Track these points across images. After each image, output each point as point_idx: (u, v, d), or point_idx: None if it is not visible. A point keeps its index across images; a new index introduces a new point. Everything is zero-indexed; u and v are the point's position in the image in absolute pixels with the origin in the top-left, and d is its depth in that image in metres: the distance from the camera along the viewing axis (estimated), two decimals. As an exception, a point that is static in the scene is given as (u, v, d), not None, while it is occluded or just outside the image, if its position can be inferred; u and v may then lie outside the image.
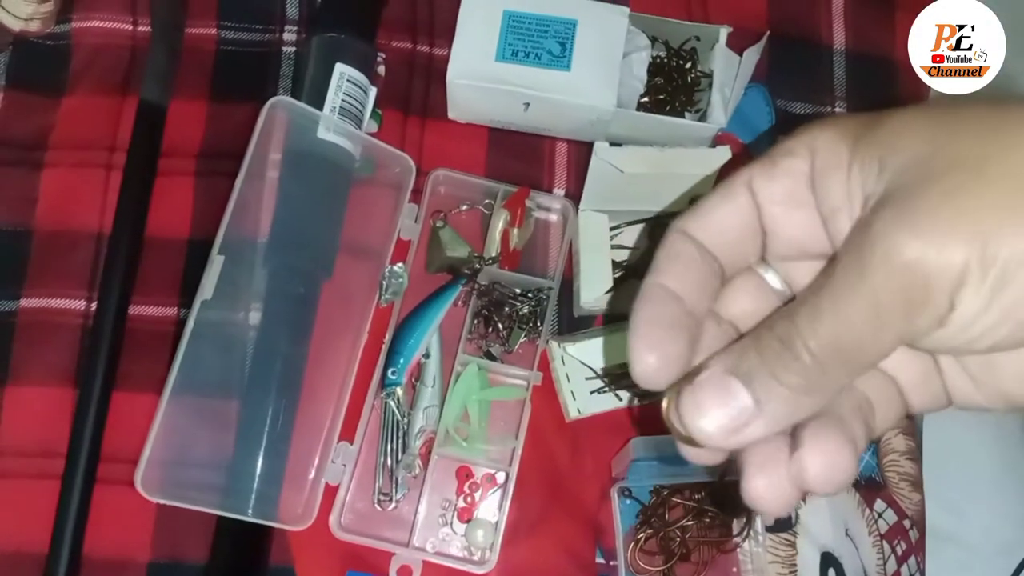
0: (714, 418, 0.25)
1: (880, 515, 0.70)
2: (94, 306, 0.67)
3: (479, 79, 0.67)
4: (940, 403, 0.29)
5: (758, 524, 0.65)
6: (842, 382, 0.24)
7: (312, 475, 0.64)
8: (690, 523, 0.64)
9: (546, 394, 0.67)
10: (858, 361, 0.24)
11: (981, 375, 0.27)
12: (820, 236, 0.27)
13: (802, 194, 0.27)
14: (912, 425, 0.74)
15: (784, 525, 0.68)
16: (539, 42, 0.68)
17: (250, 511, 0.61)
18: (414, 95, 0.75)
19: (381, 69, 0.74)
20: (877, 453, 0.72)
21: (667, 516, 0.65)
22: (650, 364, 0.27)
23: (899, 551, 0.70)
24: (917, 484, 0.72)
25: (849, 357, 0.24)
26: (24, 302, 0.67)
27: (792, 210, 0.28)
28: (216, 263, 0.61)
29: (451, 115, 0.73)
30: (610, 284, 0.66)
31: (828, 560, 0.67)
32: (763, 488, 0.26)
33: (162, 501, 0.58)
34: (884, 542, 0.69)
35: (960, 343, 0.24)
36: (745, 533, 0.65)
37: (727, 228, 0.29)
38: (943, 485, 0.78)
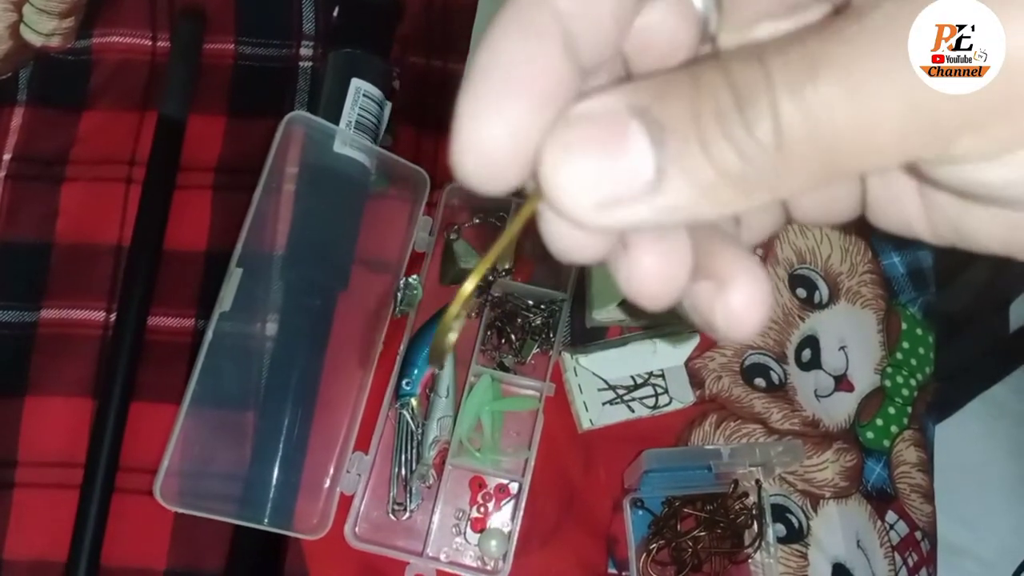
0: (584, 170, 0.16)
1: (892, 527, 0.70)
2: (113, 318, 0.68)
3: (493, 94, 0.68)
4: (848, 213, 0.22)
5: (770, 535, 0.65)
6: (791, 192, 0.16)
7: (327, 485, 0.65)
8: (702, 534, 0.65)
9: (559, 405, 0.68)
10: (840, 168, 0.16)
11: (947, 208, 0.19)
12: None
13: None
14: (923, 437, 0.74)
15: (796, 536, 0.68)
16: (552, 57, 0.68)
17: (266, 520, 0.62)
18: (428, 110, 0.76)
19: (396, 84, 0.75)
20: (889, 465, 0.72)
21: (679, 527, 0.65)
22: (494, 135, 0.16)
23: (911, 563, 0.70)
24: (929, 496, 0.73)
25: (834, 158, 0.15)
26: (44, 314, 0.68)
27: None
28: (234, 275, 0.62)
29: (465, 129, 0.74)
30: (622, 296, 0.67)
31: (840, 572, 0.67)
32: (652, 268, 0.18)
33: (180, 510, 0.59)
34: (896, 554, 0.69)
35: (994, 190, 0.16)
36: (757, 544, 0.65)
37: None
38: (955, 498, 0.78)
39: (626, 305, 0.67)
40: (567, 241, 0.18)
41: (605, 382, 0.67)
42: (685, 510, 0.65)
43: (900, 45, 0.14)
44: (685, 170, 0.16)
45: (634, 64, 0.20)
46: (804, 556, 0.68)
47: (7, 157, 0.72)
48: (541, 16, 0.16)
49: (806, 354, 0.74)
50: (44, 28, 0.74)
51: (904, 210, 0.20)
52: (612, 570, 0.66)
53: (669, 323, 0.69)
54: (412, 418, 0.66)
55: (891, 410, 0.73)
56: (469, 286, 0.19)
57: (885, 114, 0.14)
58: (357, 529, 0.64)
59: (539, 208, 0.18)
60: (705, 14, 0.19)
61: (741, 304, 0.19)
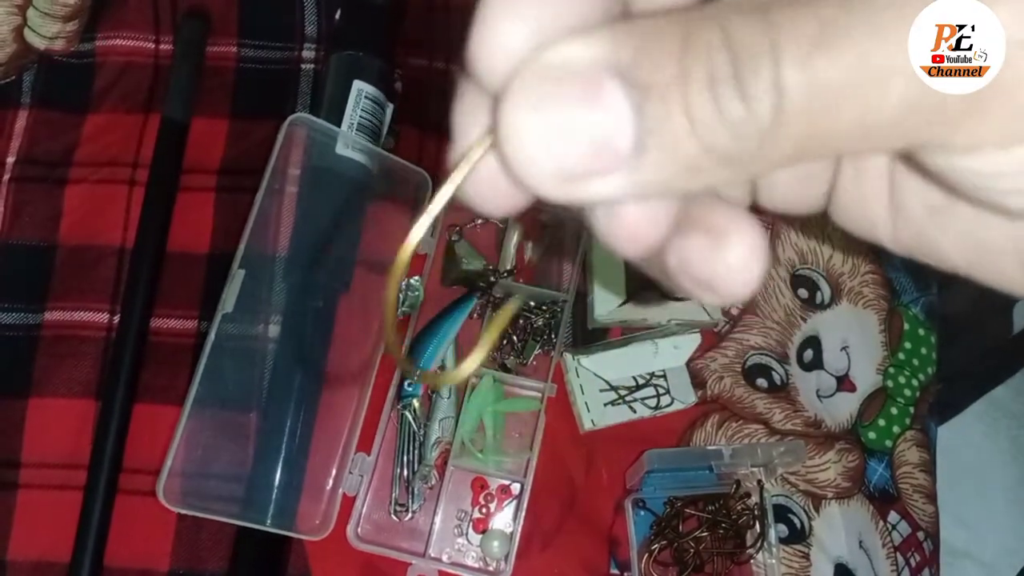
0: (551, 135, 0.14)
1: (894, 527, 0.70)
2: (117, 319, 0.68)
3: (494, 96, 0.68)
4: (814, 204, 0.20)
5: (772, 536, 0.65)
6: (771, 168, 0.15)
7: (330, 486, 0.65)
8: (704, 534, 0.65)
9: (561, 406, 0.68)
10: (833, 145, 0.14)
11: (913, 214, 0.18)
12: None
13: None
14: (926, 438, 0.74)
15: (798, 537, 0.68)
16: (553, 59, 0.69)
17: (269, 522, 0.62)
18: (430, 111, 0.76)
19: (398, 86, 0.75)
20: (891, 465, 0.72)
21: (681, 527, 0.65)
22: (517, 35, 0.14)
23: (913, 563, 0.70)
24: (931, 496, 0.73)
25: (831, 135, 0.14)
26: (48, 315, 0.68)
27: None
28: (237, 277, 0.62)
29: (466, 131, 0.74)
30: (624, 297, 0.67)
31: (842, 572, 0.67)
32: (634, 214, 0.16)
33: (183, 511, 0.59)
34: (898, 554, 0.69)
35: (993, 184, 0.15)
36: (759, 545, 0.65)
37: None
38: (956, 500, 0.78)
39: (630, 304, 0.67)
40: (494, 196, 0.16)
41: (607, 383, 0.67)
42: (687, 511, 0.65)
43: (888, 55, 0.13)
44: (665, 143, 0.14)
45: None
46: (806, 556, 0.68)
47: (11, 160, 0.73)
48: None
49: (808, 354, 0.74)
50: (48, 31, 0.75)
51: (870, 211, 0.19)
52: (614, 571, 0.66)
53: (670, 327, 0.69)
54: (414, 419, 0.66)
55: (893, 410, 0.73)
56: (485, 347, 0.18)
57: (896, 93, 0.13)
58: (359, 530, 0.64)
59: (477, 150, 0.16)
60: None
61: (740, 258, 0.17)
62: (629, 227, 0.16)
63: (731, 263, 0.17)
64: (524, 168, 0.14)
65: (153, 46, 0.77)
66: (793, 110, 0.13)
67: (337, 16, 0.76)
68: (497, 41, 0.14)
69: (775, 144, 0.14)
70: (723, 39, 0.13)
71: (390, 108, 0.71)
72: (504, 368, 0.69)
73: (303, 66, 0.77)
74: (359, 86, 0.69)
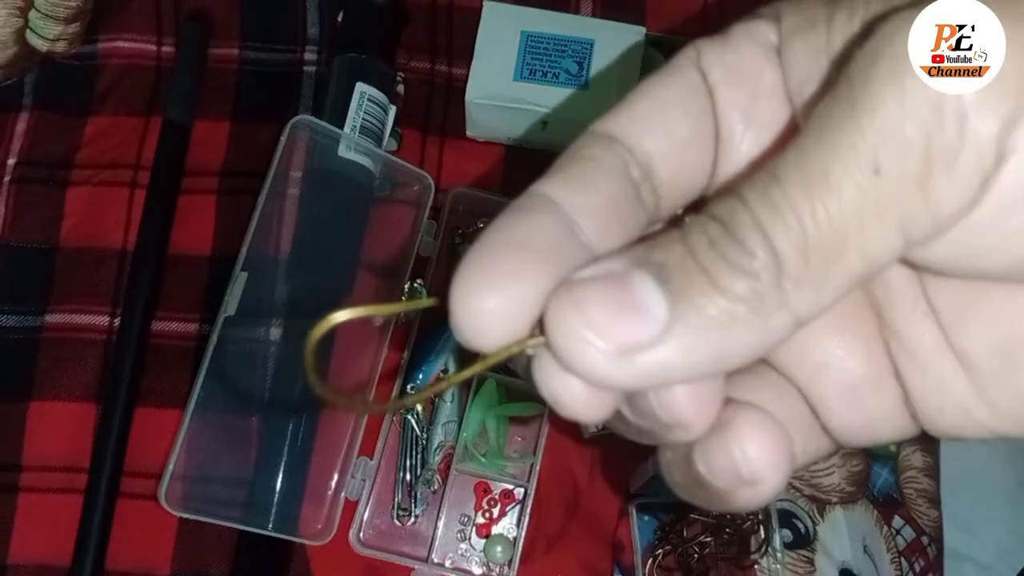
0: (595, 321, 0.15)
1: (898, 532, 0.70)
2: (118, 322, 0.68)
3: (497, 98, 0.68)
4: (901, 427, 0.20)
5: (776, 541, 0.65)
6: (811, 309, 0.15)
7: (332, 490, 0.64)
8: (708, 539, 0.64)
9: (564, 410, 0.68)
10: (842, 267, 0.15)
11: (992, 368, 0.17)
12: None
13: (768, 77, 0.18)
14: (931, 442, 0.74)
15: (803, 542, 0.68)
16: (557, 62, 0.69)
17: (270, 526, 0.61)
18: (433, 114, 0.76)
19: (401, 88, 0.75)
20: (895, 470, 0.72)
21: (685, 532, 0.65)
22: (486, 309, 0.16)
23: (917, 568, 0.69)
24: (935, 501, 0.72)
25: (827, 256, 0.15)
26: (49, 318, 0.68)
27: (757, 99, 0.18)
28: (239, 280, 0.62)
29: (469, 133, 0.74)
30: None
31: (847, 577, 0.67)
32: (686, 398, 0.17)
33: (184, 516, 0.59)
34: (902, 559, 0.69)
35: (973, 249, 0.16)
36: (763, 550, 0.65)
37: (669, 123, 0.18)
38: (954, 502, 0.78)
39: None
40: (573, 395, 0.17)
41: (610, 387, 0.67)
42: (691, 516, 0.65)
43: (840, 182, 0.15)
44: (695, 301, 0.15)
45: None
46: (811, 562, 0.67)
47: (12, 161, 0.72)
48: (539, 204, 0.18)
49: (812, 359, 0.74)
50: (50, 33, 0.74)
51: (953, 396, 0.18)
52: (618, 576, 0.66)
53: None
54: (417, 423, 0.66)
55: (897, 415, 0.73)
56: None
57: (842, 221, 0.15)
58: (362, 535, 0.64)
59: (538, 364, 0.17)
60: None
61: (755, 455, 0.18)
62: (681, 408, 0.17)
63: (750, 458, 0.18)
64: (579, 357, 0.15)
65: (155, 48, 0.76)
66: (783, 244, 0.15)
67: (339, 18, 0.76)
68: (476, 310, 0.16)
69: (794, 281, 0.15)
70: (708, 215, 0.16)
71: (393, 110, 0.71)
72: (508, 371, 0.68)
73: (305, 68, 0.76)
74: (362, 88, 0.69)
